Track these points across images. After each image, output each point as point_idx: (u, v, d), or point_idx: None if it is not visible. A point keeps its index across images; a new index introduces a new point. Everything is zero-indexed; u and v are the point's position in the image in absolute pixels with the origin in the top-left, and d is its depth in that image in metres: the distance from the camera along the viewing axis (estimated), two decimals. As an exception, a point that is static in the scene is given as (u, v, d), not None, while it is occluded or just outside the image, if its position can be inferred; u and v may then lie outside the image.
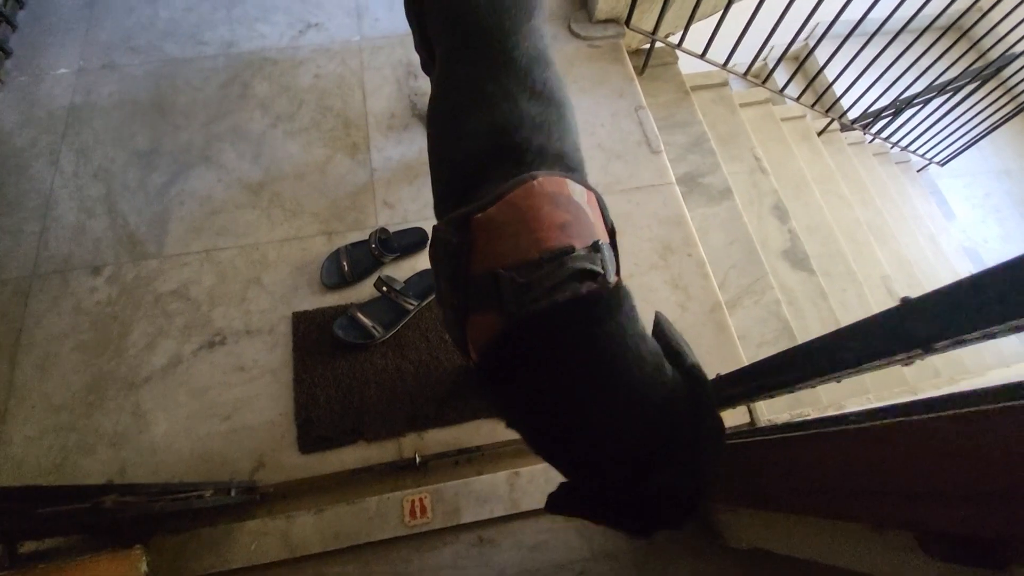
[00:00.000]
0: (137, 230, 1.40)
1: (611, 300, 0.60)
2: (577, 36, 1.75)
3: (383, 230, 1.36)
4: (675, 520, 0.57)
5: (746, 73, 2.02)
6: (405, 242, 1.39)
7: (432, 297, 1.33)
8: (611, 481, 0.57)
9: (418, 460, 1.16)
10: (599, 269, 0.61)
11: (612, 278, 0.64)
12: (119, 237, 1.39)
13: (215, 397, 1.22)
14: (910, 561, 0.60)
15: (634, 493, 0.56)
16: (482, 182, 0.68)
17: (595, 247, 0.63)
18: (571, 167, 0.72)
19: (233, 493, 1.02)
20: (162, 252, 1.37)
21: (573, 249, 0.61)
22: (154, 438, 1.17)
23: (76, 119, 1.55)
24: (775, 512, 0.89)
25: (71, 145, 1.51)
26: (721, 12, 1.65)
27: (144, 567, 1.04)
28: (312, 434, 1.19)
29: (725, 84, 2.17)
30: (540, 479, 1.16)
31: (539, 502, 1.14)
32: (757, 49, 1.90)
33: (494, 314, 0.61)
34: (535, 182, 0.63)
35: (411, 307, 1.29)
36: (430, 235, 0.81)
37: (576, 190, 0.66)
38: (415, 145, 1.54)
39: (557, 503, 0.61)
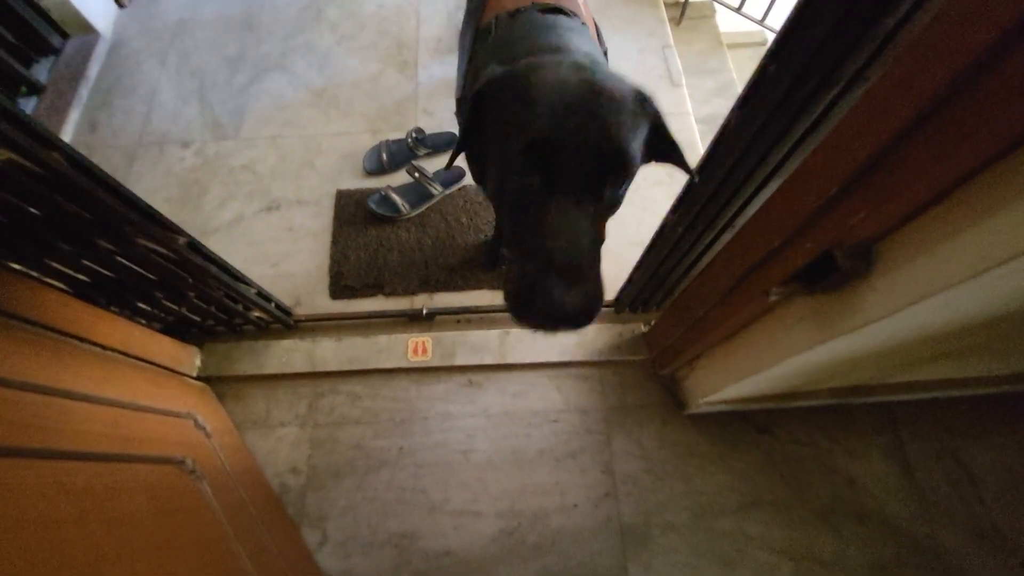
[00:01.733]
0: (220, 117, 1.67)
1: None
2: None
3: (419, 129, 1.56)
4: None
5: (784, 30, 2.07)
6: (438, 141, 1.58)
7: (455, 187, 1.51)
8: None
9: (425, 312, 1.34)
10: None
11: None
12: (206, 121, 1.67)
13: (267, 249, 1.46)
14: (793, 316, 0.72)
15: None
16: None
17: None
18: None
19: (274, 305, 1.24)
20: (238, 135, 1.64)
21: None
22: (217, 273, 1.42)
23: (182, 30, 1.86)
24: (711, 347, 1.01)
25: (176, 49, 1.82)
26: (755, -40, 1.74)
27: (198, 362, 1.29)
28: (340, 284, 1.40)
29: (764, 44, 2.22)
30: (528, 339, 1.32)
31: (524, 357, 1.30)
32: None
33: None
34: None
35: (436, 192, 1.48)
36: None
37: None
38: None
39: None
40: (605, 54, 0.96)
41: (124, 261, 0.88)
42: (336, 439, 1.25)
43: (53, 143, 0.63)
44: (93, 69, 1.77)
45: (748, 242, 0.72)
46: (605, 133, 0.56)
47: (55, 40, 1.77)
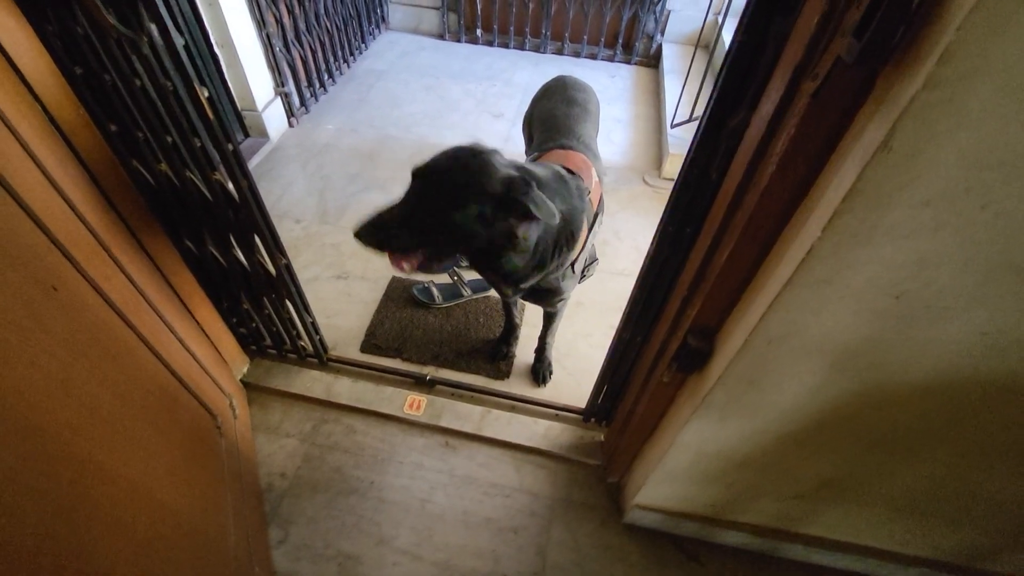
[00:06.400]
0: (329, 209, 2.23)
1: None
2: (647, 184, 2.46)
3: (468, 248, 2.02)
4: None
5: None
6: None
7: (482, 294, 1.91)
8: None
9: (428, 379, 1.64)
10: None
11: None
12: (318, 210, 2.23)
13: (327, 304, 1.86)
14: (680, 397, 0.98)
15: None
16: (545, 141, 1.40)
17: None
18: (586, 143, 1.41)
19: (318, 339, 1.59)
20: (337, 223, 2.17)
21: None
22: (283, 312, 1.81)
23: (325, 150, 2.56)
24: (641, 444, 1.22)
25: (316, 160, 2.49)
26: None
27: (246, 369, 1.61)
28: (371, 342, 1.75)
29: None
30: (503, 420, 1.56)
31: (497, 434, 1.53)
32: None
33: None
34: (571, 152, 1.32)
35: (466, 294, 1.88)
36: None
37: (586, 165, 1.31)
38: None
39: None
40: (596, 216, 1.36)
41: (240, 259, 1.29)
42: (324, 459, 1.48)
43: (245, 174, 1.08)
44: (255, 160, 2.45)
45: (655, 338, 1.03)
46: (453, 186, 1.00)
47: (239, 136, 2.49)
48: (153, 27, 0.85)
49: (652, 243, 1.01)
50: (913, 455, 0.92)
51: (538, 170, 1.13)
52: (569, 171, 1.27)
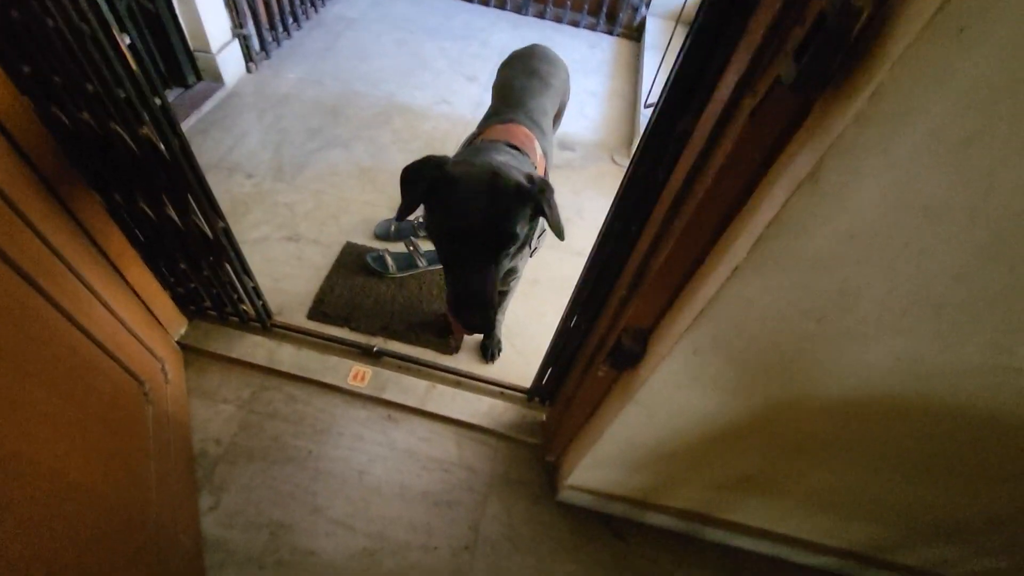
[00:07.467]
0: (284, 166, 2.13)
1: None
2: (615, 163, 2.43)
3: (427, 218, 1.97)
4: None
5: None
6: (438, 231, 1.98)
7: (438, 266, 1.87)
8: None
9: (375, 350, 1.61)
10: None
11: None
12: (272, 165, 2.12)
13: (275, 267, 1.79)
14: (613, 392, 0.99)
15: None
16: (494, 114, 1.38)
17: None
18: (535, 118, 1.37)
19: (261, 304, 1.54)
20: (292, 182, 2.07)
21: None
22: (228, 272, 1.74)
23: (285, 100, 2.42)
24: (576, 430, 1.25)
25: (274, 111, 2.35)
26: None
27: (183, 330, 1.56)
28: (319, 309, 1.70)
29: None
30: (448, 395, 1.56)
31: (439, 409, 1.53)
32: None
33: None
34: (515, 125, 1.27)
35: (421, 265, 1.84)
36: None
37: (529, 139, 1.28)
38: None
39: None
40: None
41: (174, 219, 1.21)
42: (262, 427, 1.45)
43: (177, 132, 1.01)
44: (207, 106, 2.30)
45: (597, 331, 1.03)
46: (497, 220, 0.91)
47: (191, 79, 2.33)
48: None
49: (598, 236, 1.00)
50: (825, 460, 0.96)
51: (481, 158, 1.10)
52: (513, 146, 1.23)
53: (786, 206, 0.52)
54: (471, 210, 0.92)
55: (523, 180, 0.98)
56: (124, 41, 0.86)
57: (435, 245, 1.03)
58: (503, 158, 1.09)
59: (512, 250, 0.97)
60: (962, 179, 0.47)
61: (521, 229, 0.96)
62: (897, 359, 0.69)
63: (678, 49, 0.67)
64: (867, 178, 0.49)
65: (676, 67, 0.69)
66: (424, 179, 0.97)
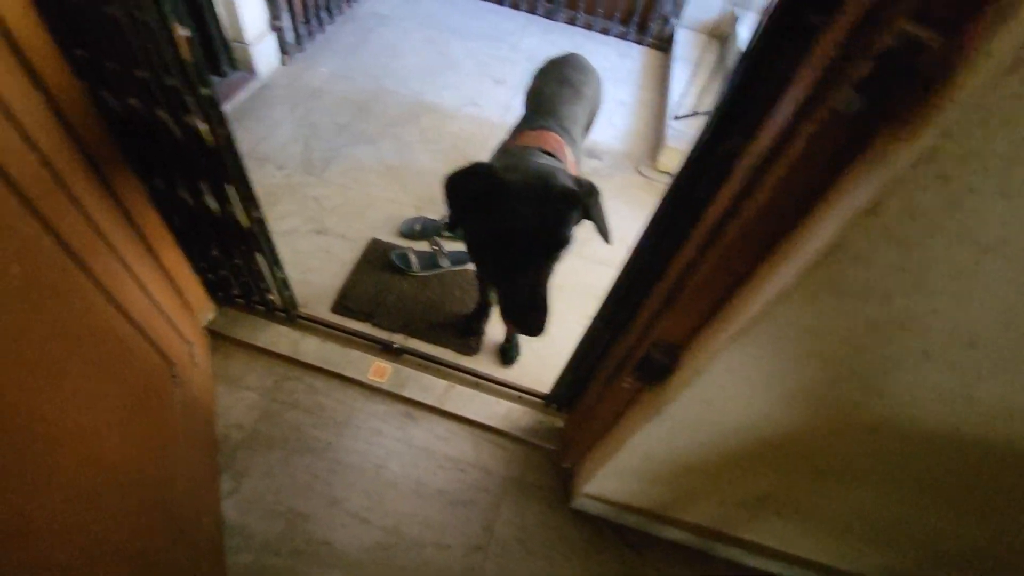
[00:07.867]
0: (314, 159, 2.16)
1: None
2: (640, 174, 2.43)
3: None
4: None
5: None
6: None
7: (461, 267, 1.89)
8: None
9: (396, 347, 1.63)
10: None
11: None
12: (302, 158, 2.15)
13: (303, 260, 1.82)
14: (637, 405, 0.99)
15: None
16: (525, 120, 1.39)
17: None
18: (566, 126, 1.38)
19: (288, 295, 1.56)
20: (321, 176, 2.10)
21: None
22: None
23: (316, 94, 2.45)
24: (596, 439, 1.25)
25: (305, 105, 2.39)
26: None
27: (212, 316, 1.58)
28: (343, 303, 1.72)
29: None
30: (466, 396, 1.57)
31: (458, 409, 1.55)
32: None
33: None
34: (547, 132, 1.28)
35: (444, 265, 1.85)
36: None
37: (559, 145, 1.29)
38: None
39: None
40: None
41: (211, 207, 1.24)
42: (283, 416, 1.48)
43: (223, 122, 1.03)
44: (241, 96, 2.34)
45: (623, 343, 1.03)
46: (551, 225, 0.93)
47: (225, 68, 2.36)
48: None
49: (631, 249, 1.00)
50: (852, 484, 0.96)
51: (517, 162, 1.10)
52: (547, 152, 1.24)
53: (842, 235, 0.52)
54: (525, 215, 0.93)
55: (572, 184, 0.99)
56: (185, 33, 0.88)
57: (478, 250, 1.04)
58: (547, 163, 1.11)
59: (561, 253, 0.99)
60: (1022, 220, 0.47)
61: (571, 233, 0.98)
62: (933, 388, 0.69)
63: (712, 64, 0.67)
64: (927, 214, 0.49)
65: (729, 89, 0.69)
66: (474, 186, 0.98)
